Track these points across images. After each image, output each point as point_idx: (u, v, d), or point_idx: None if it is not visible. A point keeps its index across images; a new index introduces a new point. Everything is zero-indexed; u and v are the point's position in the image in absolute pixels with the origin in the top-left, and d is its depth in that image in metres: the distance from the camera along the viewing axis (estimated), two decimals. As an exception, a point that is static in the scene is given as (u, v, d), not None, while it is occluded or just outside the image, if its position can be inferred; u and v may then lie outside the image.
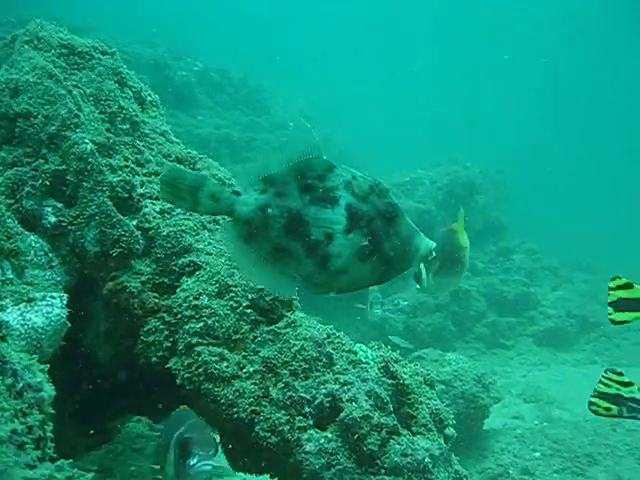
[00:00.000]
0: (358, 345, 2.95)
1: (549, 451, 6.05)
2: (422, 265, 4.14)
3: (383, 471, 2.62)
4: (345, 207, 1.97)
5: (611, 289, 2.57)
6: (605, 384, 2.69)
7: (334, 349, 2.88)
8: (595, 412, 2.72)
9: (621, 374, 2.66)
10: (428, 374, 3.10)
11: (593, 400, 2.71)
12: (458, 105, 31.07)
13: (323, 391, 2.70)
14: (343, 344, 2.92)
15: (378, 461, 2.64)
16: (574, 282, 12.07)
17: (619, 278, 2.56)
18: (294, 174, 1.99)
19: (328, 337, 2.91)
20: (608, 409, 2.67)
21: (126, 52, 10.78)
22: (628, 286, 2.54)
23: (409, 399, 2.89)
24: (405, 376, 2.89)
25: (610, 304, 2.56)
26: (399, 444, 2.68)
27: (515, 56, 32.65)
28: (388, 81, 34.58)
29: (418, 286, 4.28)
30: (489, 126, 29.03)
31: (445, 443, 2.94)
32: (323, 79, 27.17)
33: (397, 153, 19.55)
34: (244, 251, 2.04)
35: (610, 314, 2.58)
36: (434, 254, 2.08)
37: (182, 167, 2.21)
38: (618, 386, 2.66)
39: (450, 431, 2.98)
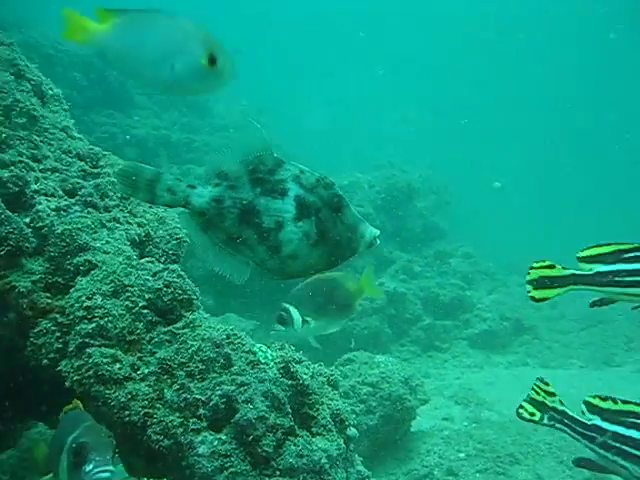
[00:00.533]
0: (258, 345, 2.91)
1: (474, 452, 6.13)
2: (292, 307, 4.12)
3: (278, 472, 2.59)
4: (294, 198, 2.15)
5: (533, 268, 2.66)
6: (536, 391, 2.83)
7: (233, 350, 2.83)
8: (519, 415, 2.86)
9: (547, 384, 2.81)
10: (332, 374, 3.08)
11: (523, 404, 2.85)
12: (403, 111, 31.41)
13: (218, 392, 2.65)
14: (243, 344, 2.88)
15: (273, 462, 2.60)
16: (509, 285, 12.32)
17: (543, 261, 2.66)
18: (246, 169, 2.17)
19: (228, 338, 2.85)
20: (532, 414, 2.81)
21: (59, 50, 10.50)
22: (550, 266, 2.63)
23: (309, 400, 2.87)
24: (305, 377, 2.86)
25: (529, 282, 2.66)
26: (295, 445, 2.65)
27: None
28: (332, 85, 34.77)
29: (284, 328, 4.17)
30: (431, 131, 29.45)
31: (346, 444, 2.93)
32: (266, 82, 27.03)
33: (337, 157, 19.63)
34: (201, 239, 2.23)
35: (529, 292, 2.67)
36: (379, 241, 2.26)
37: (140, 163, 2.20)
38: (544, 395, 2.80)
39: (352, 431, 2.96)
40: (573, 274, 2.58)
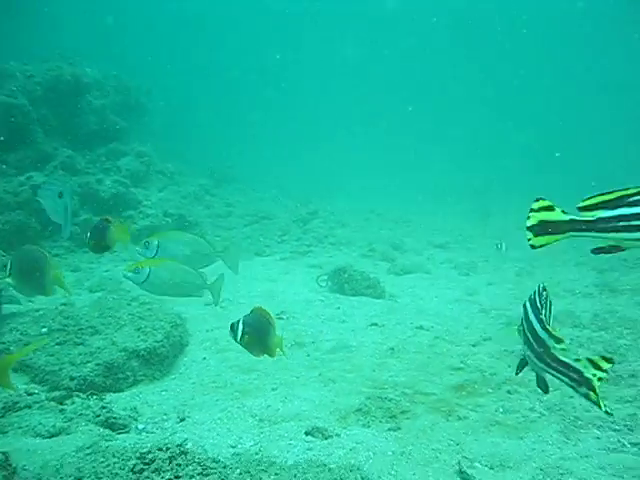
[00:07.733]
0: None
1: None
2: None
3: None
4: None
5: (532, 210, 2.28)
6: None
7: None
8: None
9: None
10: None
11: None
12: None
13: None
14: None
15: None
16: (181, 185, 12.66)
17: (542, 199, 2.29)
18: None
19: None
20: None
21: None
22: (550, 208, 2.27)
23: None
24: None
25: (529, 228, 2.28)
26: None
27: None
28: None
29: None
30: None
31: None
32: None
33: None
34: None
35: (529, 239, 2.29)
36: None
37: None
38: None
39: None
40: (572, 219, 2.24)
